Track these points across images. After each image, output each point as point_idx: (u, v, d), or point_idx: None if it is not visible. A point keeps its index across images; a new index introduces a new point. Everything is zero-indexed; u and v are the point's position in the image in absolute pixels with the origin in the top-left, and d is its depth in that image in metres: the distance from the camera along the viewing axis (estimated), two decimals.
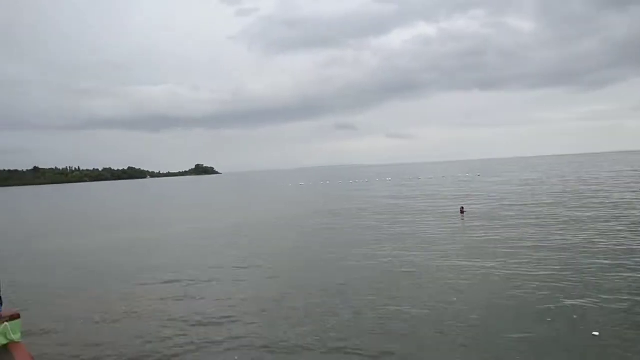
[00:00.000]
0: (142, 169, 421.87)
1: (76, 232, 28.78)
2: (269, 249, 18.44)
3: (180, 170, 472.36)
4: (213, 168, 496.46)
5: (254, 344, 8.47)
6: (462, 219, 23.59)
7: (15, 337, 5.56)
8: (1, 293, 5.69)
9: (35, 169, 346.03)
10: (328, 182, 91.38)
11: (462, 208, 26.81)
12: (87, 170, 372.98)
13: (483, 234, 18.64)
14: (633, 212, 22.32)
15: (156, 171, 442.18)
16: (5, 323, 5.50)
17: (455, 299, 10.35)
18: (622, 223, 19.13)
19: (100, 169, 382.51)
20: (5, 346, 5.42)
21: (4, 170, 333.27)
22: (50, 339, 9.25)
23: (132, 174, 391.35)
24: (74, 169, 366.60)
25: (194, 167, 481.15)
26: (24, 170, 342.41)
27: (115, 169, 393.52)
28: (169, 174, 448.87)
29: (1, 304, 5.63)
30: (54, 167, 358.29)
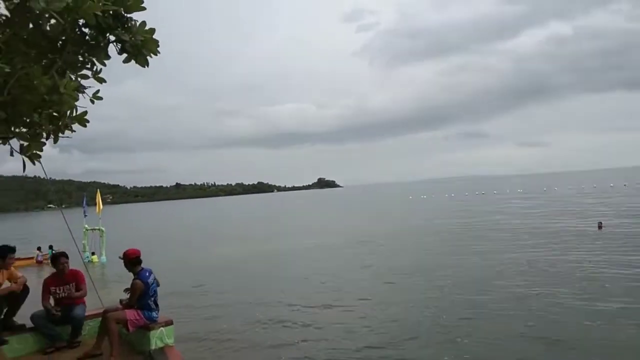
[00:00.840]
0: (269, 183, 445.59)
1: (214, 242, 30.72)
2: (407, 262, 17.83)
3: (304, 184, 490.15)
4: (334, 181, 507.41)
5: None
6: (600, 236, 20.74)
7: (170, 341, 5.71)
8: (157, 300, 5.85)
9: (177, 185, 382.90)
10: (453, 194, 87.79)
11: (600, 223, 23.68)
12: (222, 185, 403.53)
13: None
14: None
15: (282, 185, 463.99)
16: (161, 328, 5.66)
17: None
18: None
19: (233, 184, 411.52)
20: (161, 349, 5.56)
21: (151, 186, 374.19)
22: (199, 344, 9.59)
23: (261, 188, 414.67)
24: (210, 184, 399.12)
25: (316, 180, 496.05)
26: (168, 186, 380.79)
27: (246, 183, 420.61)
28: (293, 188, 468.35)
29: (158, 311, 5.79)
30: (193, 183, 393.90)
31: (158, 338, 5.60)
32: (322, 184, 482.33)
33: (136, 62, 4.18)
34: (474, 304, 11.22)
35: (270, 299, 13.18)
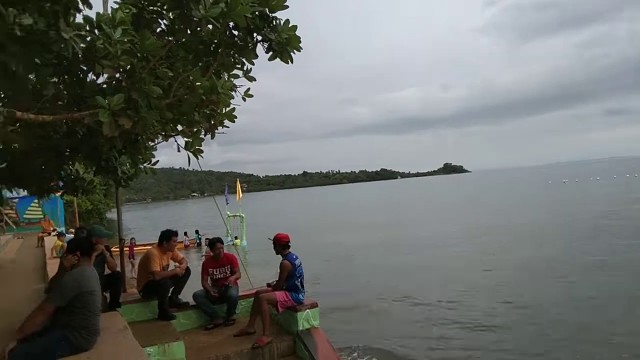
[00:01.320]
0: (393, 169, 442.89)
1: (342, 229, 31.42)
2: (564, 256, 16.49)
3: (429, 170, 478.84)
4: (462, 166, 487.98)
5: None
6: None
7: (315, 322, 5.98)
8: (304, 282, 6.15)
9: (304, 173, 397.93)
10: (598, 177, 79.25)
11: None
12: (346, 172, 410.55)
13: None
14: None
15: (406, 171, 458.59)
16: (307, 310, 5.95)
17: None
18: None
19: (356, 171, 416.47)
20: (308, 330, 5.85)
21: (281, 175, 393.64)
22: (341, 326, 9.92)
23: (385, 175, 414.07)
24: (335, 172, 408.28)
25: (442, 166, 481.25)
26: (296, 174, 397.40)
27: (370, 170, 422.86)
28: (417, 174, 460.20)
29: (304, 293, 6.09)
30: (319, 171, 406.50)
31: (305, 319, 5.90)
32: (449, 169, 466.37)
33: (281, 60, 4.37)
34: None
35: (402, 289, 13.14)
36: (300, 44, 4.45)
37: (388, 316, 10.66)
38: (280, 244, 6.10)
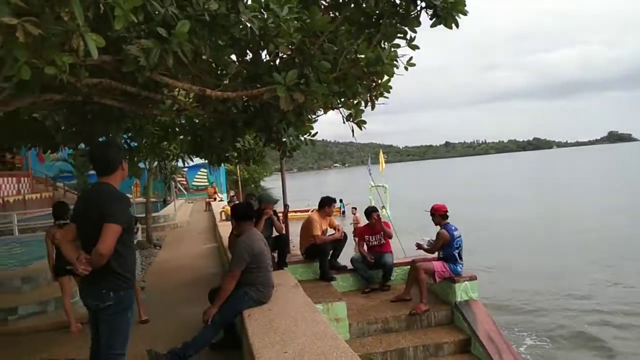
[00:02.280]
0: (547, 139, 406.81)
1: (490, 202, 29.97)
2: None
3: (590, 139, 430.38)
4: (630, 135, 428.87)
5: None
6: None
7: (474, 295, 5.92)
8: (462, 254, 6.08)
9: (447, 143, 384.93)
10: None
11: None
12: (493, 142, 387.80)
13: None
14: None
15: (563, 140, 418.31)
16: (466, 282, 5.91)
17: None
18: None
19: (505, 141, 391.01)
20: (466, 302, 5.82)
21: (421, 145, 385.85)
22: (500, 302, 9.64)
23: (538, 144, 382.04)
24: (480, 142, 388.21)
25: (606, 134, 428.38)
26: (437, 145, 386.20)
27: (520, 140, 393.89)
28: (577, 143, 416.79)
29: (462, 265, 6.03)
30: (462, 141, 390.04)
31: (463, 291, 5.87)
32: (614, 137, 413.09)
33: (445, 25, 4.27)
34: None
35: (564, 267, 12.23)
36: (466, 7, 4.31)
37: (548, 296, 10.05)
38: (440, 214, 6.10)
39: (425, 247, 6.29)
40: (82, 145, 6.79)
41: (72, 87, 4.34)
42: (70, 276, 5.08)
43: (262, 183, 50.87)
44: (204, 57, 4.20)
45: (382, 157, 28.34)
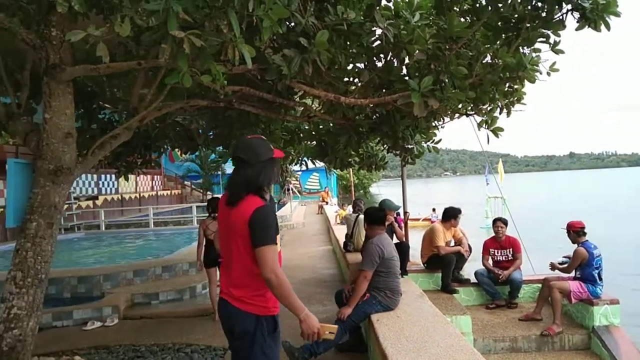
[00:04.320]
0: None
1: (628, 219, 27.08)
2: None
3: None
4: None
5: None
6: None
7: (615, 320, 5.40)
8: (602, 274, 5.57)
9: (571, 154, 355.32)
10: None
11: None
12: (625, 154, 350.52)
13: None
14: None
15: None
16: (606, 305, 5.40)
17: None
18: None
19: (639, 153, 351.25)
20: (606, 327, 5.31)
21: (542, 155, 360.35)
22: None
23: None
24: (610, 153, 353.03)
25: None
26: (561, 155, 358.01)
27: None
28: None
29: (602, 286, 5.52)
30: (589, 152, 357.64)
31: (602, 315, 5.36)
32: None
33: (594, 29, 3.97)
34: None
35: None
36: (618, 8, 3.96)
37: None
38: (575, 231, 5.64)
39: (559, 266, 5.86)
40: (220, 148, 7.34)
41: (214, 94, 4.74)
42: (216, 267, 5.46)
43: (370, 189, 50.96)
44: (337, 65, 4.33)
45: (501, 166, 26.92)
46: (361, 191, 46.19)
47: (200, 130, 6.84)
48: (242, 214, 2.35)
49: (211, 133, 6.97)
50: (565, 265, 5.79)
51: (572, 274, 5.75)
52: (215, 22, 3.01)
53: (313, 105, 6.21)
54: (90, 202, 17.37)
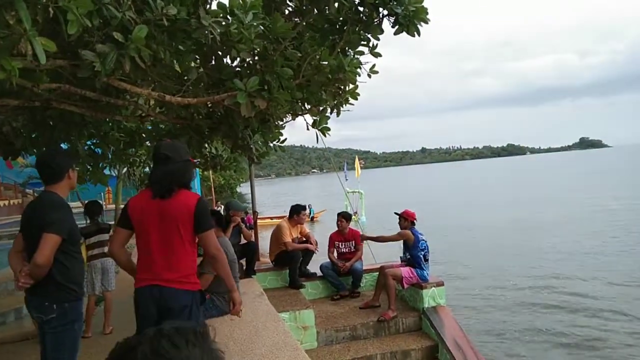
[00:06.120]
0: (521, 145, 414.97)
1: (465, 207, 30.33)
2: None
3: (563, 145, 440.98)
4: (601, 141, 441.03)
5: None
6: None
7: (442, 301, 5.95)
8: (428, 256, 6.09)
9: (423, 149, 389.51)
10: None
11: None
12: (468, 148, 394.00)
13: None
14: None
15: (536, 147, 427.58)
16: (433, 288, 5.94)
17: None
18: None
19: (480, 147, 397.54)
20: (434, 308, 5.83)
21: (398, 151, 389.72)
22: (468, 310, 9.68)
23: (511, 150, 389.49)
24: (455, 148, 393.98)
25: (577, 140, 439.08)
26: (414, 150, 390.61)
27: (495, 146, 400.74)
28: (549, 150, 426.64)
29: (428, 270, 6.05)
30: (438, 147, 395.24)
31: (430, 297, 5.89)
32: (585, 144, 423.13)
33: (407, 33, 4.30)
34: None
35: (538, 275, 12.35)
36: (428, 16, 4.34)
37: (514, 301, 10.15)
38: (409, 220, 6.13)
39: (368, 235, 6.42)
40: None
41: (29, 92, 4.24)
42: None
43: (238, 189, 50.47)
44: (164, 62, 4.14)
45: (357, 162, 28.45)
46: (228, 191, 45.47)
47: (22, 133, 6.10)
48: (185, 205, 2.71)
49: (34, 136, 6.26)
50: (378, 238, 6.61)
51: (403, 260, 6.23)
52: (2, 13, 2.66)
53: (148, 105, 5.89)
54: None
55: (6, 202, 24.58)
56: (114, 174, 10.77)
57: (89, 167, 7.23)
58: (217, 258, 2.77)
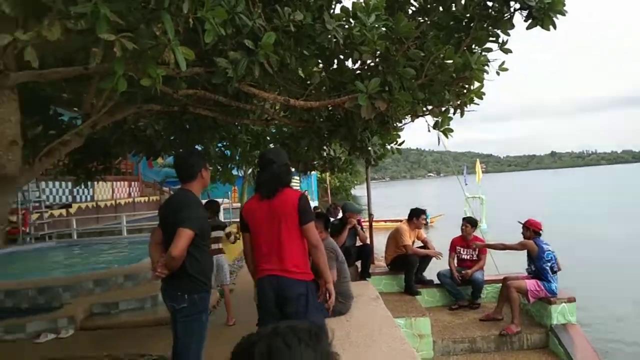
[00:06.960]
0: None
1: (602, 218, 27.45)
2: None
3: None
4: None
5: None
6: None
7: (572, 318, 5.44)
8: (555, 267, 5.58)
9: (552, 153, 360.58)
10: None
11: None
12: (604, 153, 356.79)
13: None
14: None
15: None
16: (564, 304, 5.43)
17: None
18: None
19: (618, 151, 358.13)
20: (563, 325, 5.34)
21: (524, 155, 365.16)
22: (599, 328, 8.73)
23: None
24: (590, 152, 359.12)
25: None
26: (542, 154, 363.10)
27: (637, 150, 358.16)
28: None
29: (557, 285, 5.54)
30: (570, 151, 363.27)
31: (560, 313, 5.39)
32: None
33: (542, 27, 4.00)
34: None
35: None
36: (565, 7, 3.99)
37: None
38: (533, 230, 5.68)
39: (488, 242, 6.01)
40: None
41: (170, 98, 4.66)
42: None
43: (352, 191, 50.98)
44: (290, 67, 4.28)
45: (479, 166, 27.17)
46: (343, 193, 46.16)
47: (162, 136, 6.74)
48: (290, 201, 3.00)
49: (173, 138, 6.88)
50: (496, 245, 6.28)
51: (529, 273, 5.79)
52: (150, 25, 2.95)
53: (272, 109, 6.16)
54: (63, 211, 17.02)
55: (146, 199, 27.36)
56: (241, 174, 11.44)
57: (219, 167, 7.79)
58: (318, 248, 2.98)
